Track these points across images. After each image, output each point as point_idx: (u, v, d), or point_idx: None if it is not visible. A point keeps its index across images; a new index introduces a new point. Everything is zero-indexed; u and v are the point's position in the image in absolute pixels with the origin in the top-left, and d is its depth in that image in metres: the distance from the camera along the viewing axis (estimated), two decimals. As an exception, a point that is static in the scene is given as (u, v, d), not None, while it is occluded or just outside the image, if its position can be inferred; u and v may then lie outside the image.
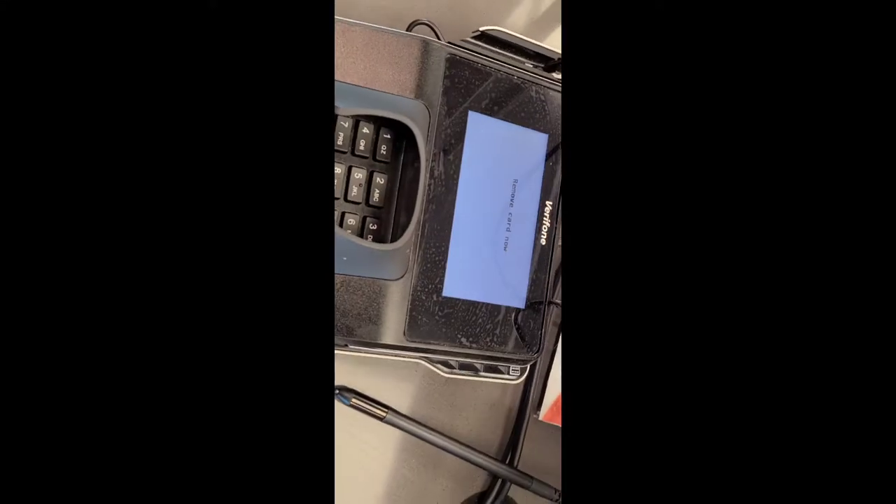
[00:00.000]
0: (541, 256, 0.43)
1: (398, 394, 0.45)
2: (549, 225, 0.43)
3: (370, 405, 0.42)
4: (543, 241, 0.43)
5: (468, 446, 0.45)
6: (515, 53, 0.43)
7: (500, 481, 0.47)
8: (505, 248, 0.42)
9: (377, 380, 0.44)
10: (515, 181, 0.42)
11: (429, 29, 0.42)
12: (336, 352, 0.37)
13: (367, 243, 0.37)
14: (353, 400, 0.42)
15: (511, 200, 0.42)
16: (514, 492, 0.48)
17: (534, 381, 0.48)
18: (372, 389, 0.44)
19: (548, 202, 0.43)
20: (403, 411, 0.44)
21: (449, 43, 0.40)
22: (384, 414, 0.43)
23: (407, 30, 0.42)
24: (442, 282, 0.40)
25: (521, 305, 0.43)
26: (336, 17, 0.36)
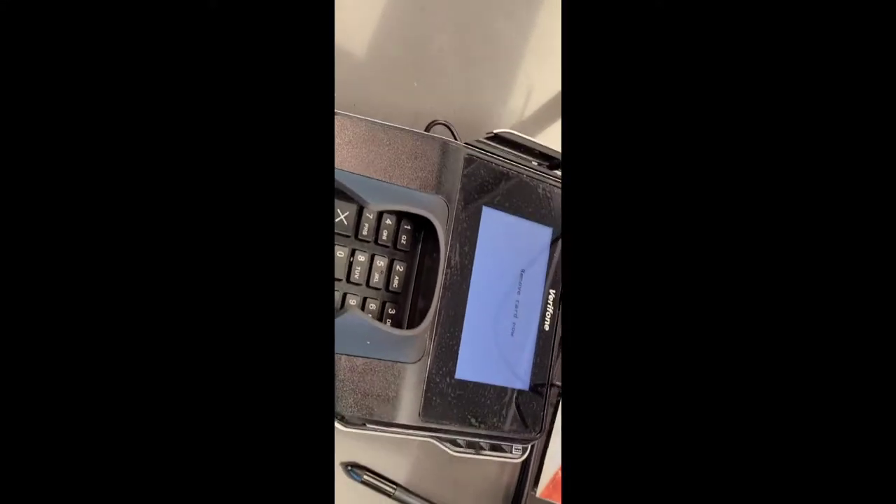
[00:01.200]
0: (544, 341, 0.46)
1: (404, 470, 0.46)
2: (552, 312, 0.46)
3: (380, 482, 0.44)
4: (546, 327, 0.46)
5: (470, 523, 0.47)
6: (523, 153, 0.47)
7: (498, 558, 0.49)
8: (512, 334, 0.45)
9: (383, 455, 0.46)
10: (523, 271, 0.45)
11: (446, 129, 0.46)
12: (353, 430, 0.39)
13: (391, 329, 0.39)
14: (365, 476, 0.44)
15: (518, 289, 0.45)
16: (511, 568, 0.50)
17: (532, 458, 0.50)
18: (378, 465, 0.45)
19: (551, 290, 0.47)
20: (409, 487, 0.46)
21: (466, 144, 0.43)
22: (393, 490, 0.44)
23: (426, 129, 0.45)
24: (455, 365, 0.42)
25: (526, 387, 0.45)
26: (361, 116, 0.40)
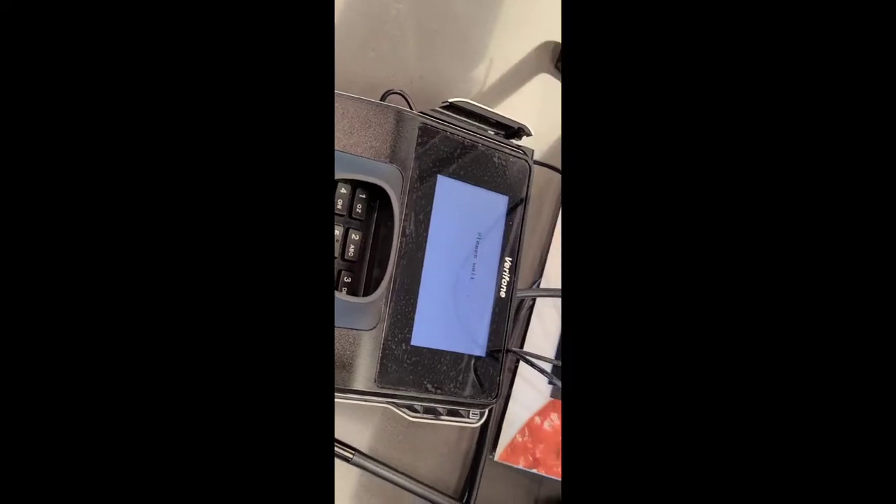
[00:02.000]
0: (500, 308, 0.47)
1: (362, 436, 0.47)
2: (508, 279, 0.47)
3: (339, 447, 0.45)
4: (503, 294, 0.47)
5: (428, 486, 0.48)
6: (479, 122, 0.47)
7: (457, 520, 0.50)
8: (468, 301, 0.45)
9: (342, 422, 0.46)
10: (478, 239, 0.46)
11: (401, 98, 0.46)
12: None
13: (345, 297, 0.40)
14: (323, 442, 0.44)
15: (474, 257, 0.46)
16: (470, 529, 0.51)
17: (490, 423, 0.51)
18: (337, 432, 0.46)
19: (507, 258, 0.47)
20: (367, 452, 0.47)
21: (420, 112, 0.44)
22: (351, 455, 0.45)
23: (381, 99, 0.45)
24: (411, 332, 0.43)
25: (482, 353, 0.46)
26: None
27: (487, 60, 0.54)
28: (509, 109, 0.54)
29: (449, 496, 0.49)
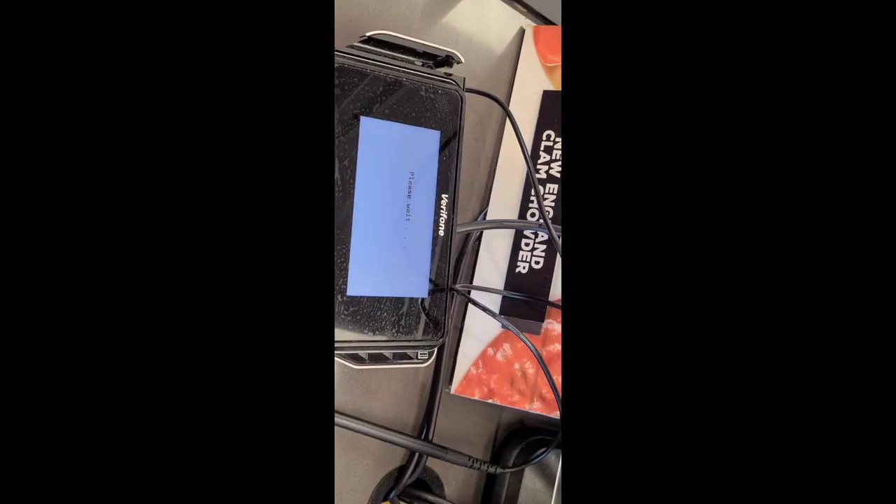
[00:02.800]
0: (441, 247, 0.46)
1: (314, 384, 0.47)
2: (445, 216, 0.46)
3: (287, 400, 0.45)
4: (441, 232, 0.46)
5: (384, 427, 0.48)
6: (404, 54, 0.45)
7: (417, 455, 0.51)
8: (405, 243, 0.44)
9: (293, 374, 0.46)
10: (411, 179, 0.44)
11: (317, 35, 0.43)
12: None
13: (269, 255, 0.39)
14: (270, 397, 0.44)
15: (408, 197, 0.44)
16: (432, 462, 0.52)
17: (444, 358, 0.51)
18: (288, 383, 0.46)
19: (444, 195, 0.46)
20: (320, 401, 0.47)
21: (338, 52, 0.41)
22: (301, 407, 0.45)
23: (295, 37, 0.43)
24: (346, 282, 0.42)
25: (424, 294, 0.45)
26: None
27: (412, -17, 0.50)
28: (434, 38, 0.51)
29: (405, 434, 0.49)
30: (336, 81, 0.41)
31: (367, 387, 0.49)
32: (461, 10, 0.53)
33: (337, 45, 0.42)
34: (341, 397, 0.48)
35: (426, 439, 0.51)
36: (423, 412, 0.52)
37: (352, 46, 0.42)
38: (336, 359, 0.43)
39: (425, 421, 0.52)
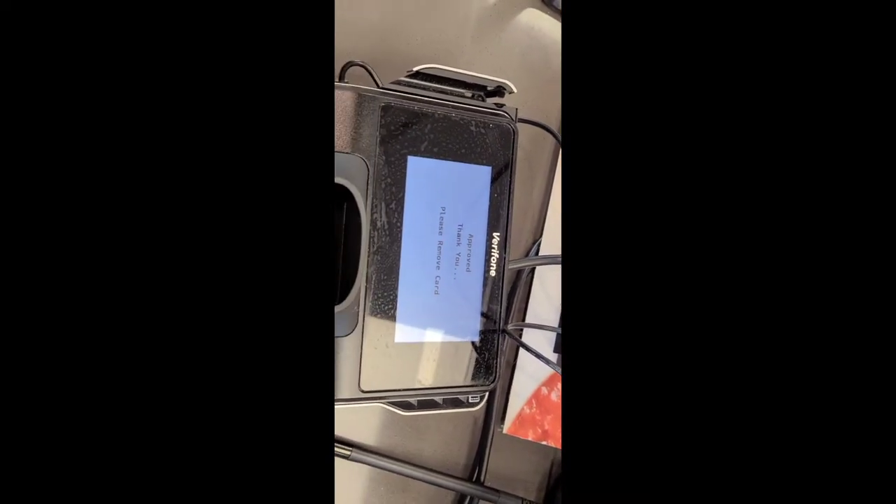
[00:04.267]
0: (492, 287, 0.44)
1: (361, 429, 0.46)
2: (497, 256, 0.44)
3: (335, 447, 0.44)
4: (493, 273, 0.44)
5: (433, 470, 0.47)
6: (453, 86, 0.43)
7: (468, 498, 0.49)
8: (455, 287, 0.43)
9: (343, 420, 0.45)
10: (461, 217, 0.42)
11: (364, 71, 0.41)
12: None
13: (314, 308, 0.37)
14: (317, 444, 0.43)
15: (458, 238, 0.42)
16: (484, 504, 0.50)
17: (496, 397, 0.49)
18: (339, 429, 0.45)
19: (495, 234, 0.44)
20: (370, 443, 0.45)
21: (383, 90, 0.39)
22: (349, 453, 0.44)
23: (340, 73, 0.41)
24: (393, 330, 0.40)
25: (475, 338, 0.44)
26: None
27: (455, 17, 0.48)
28: (490, 61, 0.49)
29: (456, 477, 0.48)
30: (381, 121, 0.39)
31: (416, 427, 0.48)
32: (513, 30, 0.50)
33: (384, 81, 0.40)
34: (390, 439, 0.47)
35: (478, 482, 0.49)
36: (475, 451, 0.51)
37: (397, 82, 0.41)
38: (385, 406, 0.41)
39: (477, 462, 0.50)
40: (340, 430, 0.45)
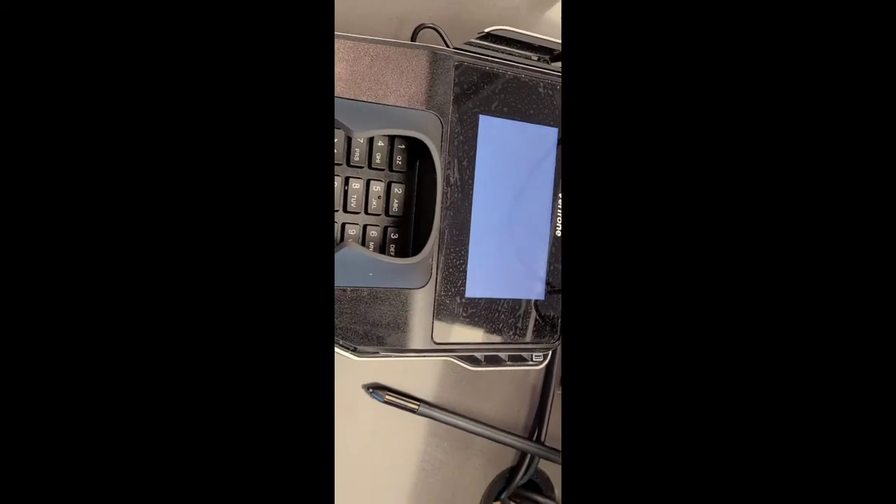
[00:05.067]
0: (557, 247, 0.45)
1: (428, 385, 0.47)
2: (562, 216, 0.45)
3: (403, 400, 0.45)
4: (559, 232, 0.45)
5: (496, 428, 0.48)
6: (521, 49, 0.43)
7: (528, 456, 0.50)
8: (522, 244, 0.43)
9: (405, 375, 0.46)
10: (529, 177, 0.43)
11: (434, 32, 0.42)
12: (368, 359, 0.39)
13: (391, 259, 0.38)
14: (387, 396, 0.44)
15: (525, 197, 0.43)
16: (544, 464, 0.51)
17: (556, 359, 0.50)
18: (404, 385, 0.46)
19: (561, 194, 0.45)
20: (433, 402, 0.47)
21: (455, 49, 0.40)
22: (416, 406, 0.45)
23: (412, 35, 0.42)
24: (464, 284, 0.41)
25: (541, 296, 0.44)
26: (340, 32, 0.37)
27: (526, -26, 0.49)
28: (551, 30, 0.50)
29: (518, 435, 0.49)
30: (455, 80, 0.40)
31: (478, 388, 0.49)
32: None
33: (454, 42, 0.41)
34: (453, 398, 0.48)
35: (538, 441, 0.50)
36: (534, 413, 0.51)
37: (469, 43, 0.41)
38: (453, 360, 0.43)
39: (537, 422, 0.51)
40: (407, 383, 0.46)
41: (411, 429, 0.47)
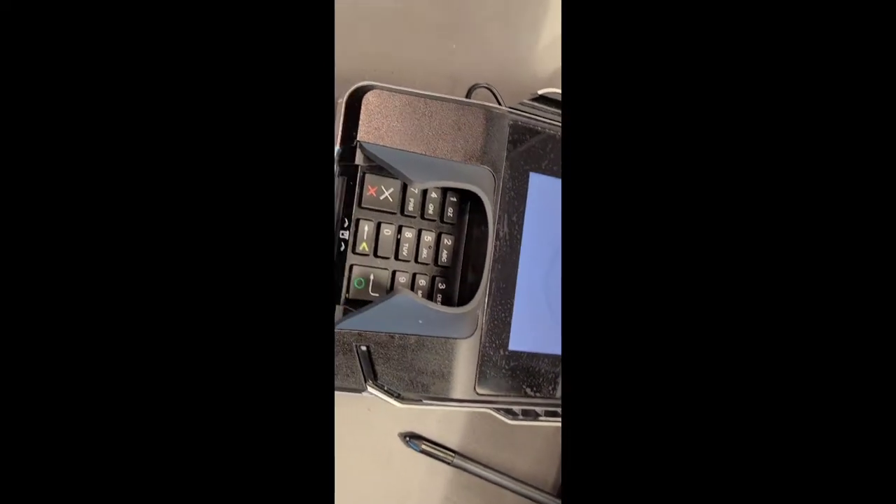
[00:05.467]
0: (597, 305, 0.45)
1: (461, 438, 0.47)
2: (604, 275, 0.45)
3: (439, 450, 0.45)
4: (599, 291, 0.45)
5: (528, 484, 0.48)
6: (570, 111, 0.45)
7: (558, 516, 0.50)
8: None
9: (442, 425, 0.46)
10: (573, 236, 0.44)
11: (488, 91, 0.44)
12: (410, 406, 0.39)
13: (442, 308, 0.39)
14: (423, 446, 0.44)
15: (569, 254, 0.44)
16: (571, 524, 0.51)
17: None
18: (438, 433, 0.46)
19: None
20: (467, 452, 0.47)
21: (510, 109, 0.42)
22: (452, 458, 0.45)
23: (467, 94, 0.44)
24: (508, 336, 0.42)
25: (580, 353, 0.45)
26: (401, 88, 0.39)
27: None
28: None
29: (547, 493, 0.48)
30: (509, 137, 0.41)
31: (512, 442, 0.49)
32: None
33: (509, 101, 0.43)
34: (487, 451, 0.48)
35: (568, 500, 0.49)
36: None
37: (522, 104, 0.43)
38: (490, 412, 0.43)
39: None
40: (441, 431, 0.46)
41: (444, 479, 0.47)
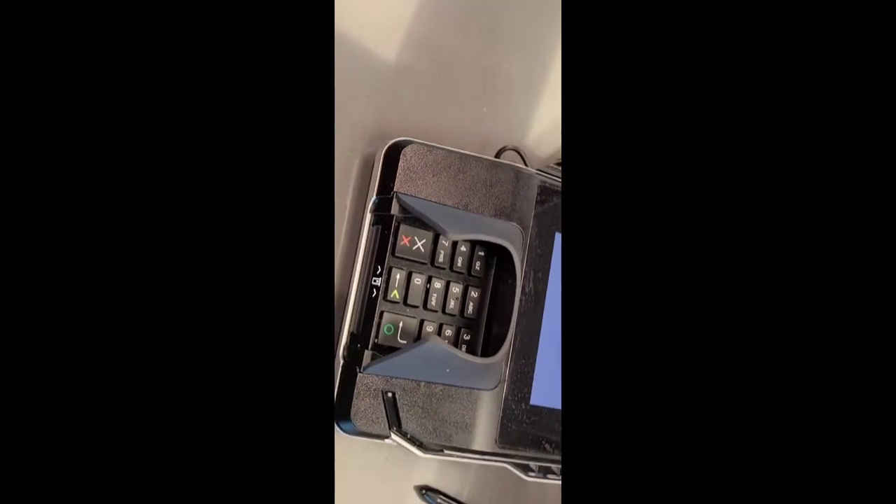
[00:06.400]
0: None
1: (476, 493, 0.47)
2: (621, 336, 0.47)
3: (453, 505, 0.45)
4: (616, 351, 0.46)
5: (539, 545, 0.47)
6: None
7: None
8: (584, 359, 0.45)
9: (455, 479, 0.46)
10: (594, 296, 0.45)
11: (515, 154, 0.46)
12: (432, 456, 0.39)
13: (470, 357, 0.40)
14: (439, 500, 0.44)
15: (590, 314, 0.45)
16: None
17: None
18: (451, 488, 0.46)
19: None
20: (479, 509, 0.46)
21: (538, 171, 0.44)
22: (466, 514, 0.45)
23: (496, 155, 0.46)
24: (530, 391, 0.42)
25: (596, 412, 0.45)
26: (436, 144, 0.40)
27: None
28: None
29: (559, 556, 0.48)
30: (538, 198, 0.43)
31: (525, 499, 0.49)
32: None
33: (538, 166, 0.45)
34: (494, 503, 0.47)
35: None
36: (572, 535, 0.51)
37: (550, 167, 0.45)
38: (507, 467, 0.43)
39: (576, 545, 0.50)
40: (454, 484, 0.46)
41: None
